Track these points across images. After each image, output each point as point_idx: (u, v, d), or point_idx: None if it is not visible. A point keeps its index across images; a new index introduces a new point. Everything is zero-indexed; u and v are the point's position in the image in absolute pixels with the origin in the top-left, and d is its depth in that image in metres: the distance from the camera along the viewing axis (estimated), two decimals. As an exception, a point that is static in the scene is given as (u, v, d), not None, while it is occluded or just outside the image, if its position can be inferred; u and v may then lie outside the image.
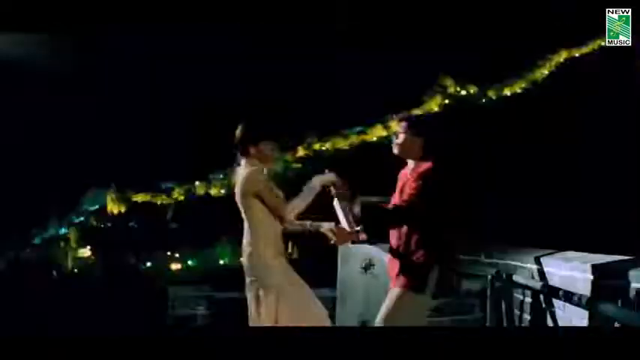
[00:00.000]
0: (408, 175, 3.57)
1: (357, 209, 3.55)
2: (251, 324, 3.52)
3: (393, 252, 3.54)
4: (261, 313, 3.45)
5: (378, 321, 3.45)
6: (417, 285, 3.38)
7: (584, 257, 4.28)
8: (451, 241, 3.53)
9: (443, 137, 3.69)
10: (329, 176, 3.59)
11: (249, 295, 3.52)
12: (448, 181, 3.48)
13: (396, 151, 3.61)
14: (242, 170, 3.56)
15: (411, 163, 3.61)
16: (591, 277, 3.98)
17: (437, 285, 3.40)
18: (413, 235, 3.44)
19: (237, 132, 3.59)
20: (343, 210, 3.57)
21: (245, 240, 3.56)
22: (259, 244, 3.49)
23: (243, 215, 3.54)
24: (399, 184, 3.63)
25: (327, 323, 3.56)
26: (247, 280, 3.53)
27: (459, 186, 3.54)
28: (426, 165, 3.47)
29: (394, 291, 3.44)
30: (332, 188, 3.56)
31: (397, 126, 3.66)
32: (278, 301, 3.41)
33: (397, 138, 3.60)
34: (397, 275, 3.44)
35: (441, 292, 3.50)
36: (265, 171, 3.62)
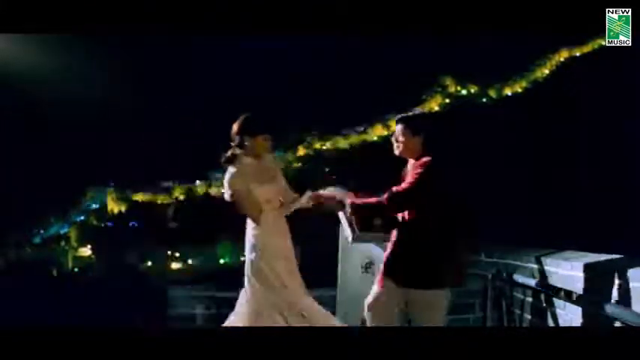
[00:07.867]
0: (407, 172, 3.58)
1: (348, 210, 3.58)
2: None
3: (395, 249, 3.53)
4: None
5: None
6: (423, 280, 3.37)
7: (584, 257, 4.28)
8: (447, 234, 3.50)
9: (441, 134, 3.69)
10: (338, 194, 3.65)
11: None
12: (443, 175, 3.46)
13: (397, 152, 3.62)
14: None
15: (411, 161, 3.62)
16: (590, 275, 3.99)
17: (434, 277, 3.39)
18: (405, 229, 3.45)
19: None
20: (347, 219, 3.68)
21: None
22: None
23: None
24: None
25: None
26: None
27: (452, 182, 3.53)
28: (424, 159, 3.48)
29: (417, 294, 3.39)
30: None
31: (395, 126, 3.67)
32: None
33: (397, 139, 3.60)
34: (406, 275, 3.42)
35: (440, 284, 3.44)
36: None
